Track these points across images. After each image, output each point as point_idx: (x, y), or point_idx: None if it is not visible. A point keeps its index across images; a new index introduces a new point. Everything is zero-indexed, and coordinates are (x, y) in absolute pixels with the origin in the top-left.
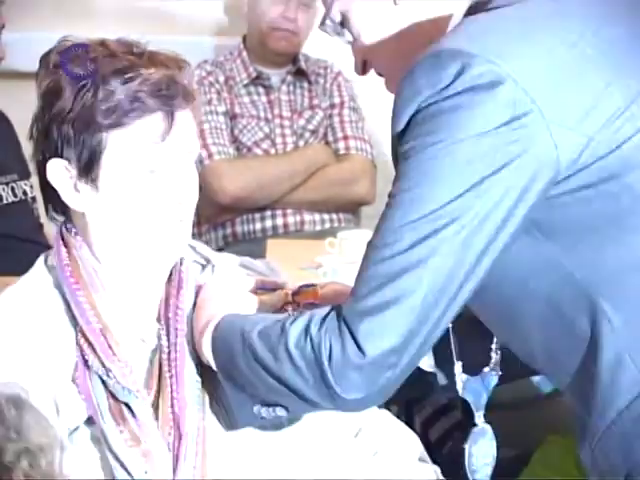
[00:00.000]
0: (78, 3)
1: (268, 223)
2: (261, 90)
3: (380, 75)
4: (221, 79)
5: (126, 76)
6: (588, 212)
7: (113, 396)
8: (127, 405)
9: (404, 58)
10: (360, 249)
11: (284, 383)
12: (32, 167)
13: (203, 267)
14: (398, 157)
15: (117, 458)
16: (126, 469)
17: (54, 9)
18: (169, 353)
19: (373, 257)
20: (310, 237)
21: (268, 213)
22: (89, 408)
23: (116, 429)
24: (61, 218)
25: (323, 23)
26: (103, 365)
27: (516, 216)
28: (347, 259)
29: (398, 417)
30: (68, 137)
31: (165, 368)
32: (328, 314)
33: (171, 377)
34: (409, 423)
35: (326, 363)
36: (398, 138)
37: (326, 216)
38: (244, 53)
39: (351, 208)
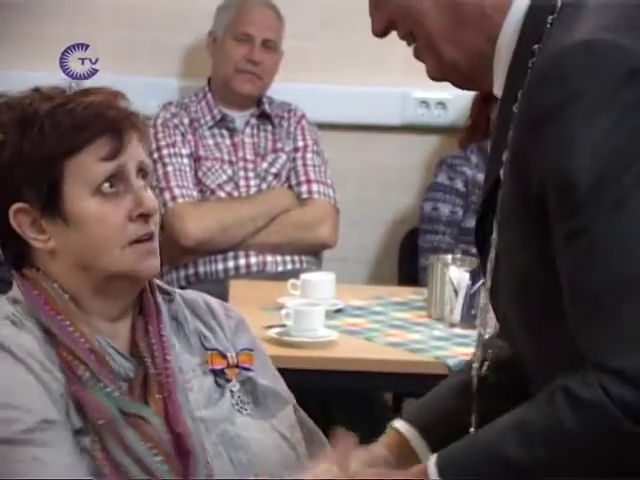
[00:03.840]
0: (34, 42)
1: (230, 263)
2: (225, 132)
3: (406, 39)
4: (186, 121)
5: (68, 106)
6: None
7: (121, 410)
8: (138, 416)
9: (454, 27)
10: (322, 291)
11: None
12: None
13: (169, 301)
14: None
15: (141, 463)
16: (152, 474)
17: (8, 48)
18: (159, 375)
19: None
20: (272, 278)
21: (230, 254)
22: (102, 417)
23: (134, 435)
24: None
25: None
26: (101, 382)
27: None
28: (309, 301)
29: (387, 408)
30: (24, 178)
31: (155, 389)
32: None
33: (165, 398)
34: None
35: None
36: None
37: (288, 257)
38: (209, 95)
39: (313, 252)
